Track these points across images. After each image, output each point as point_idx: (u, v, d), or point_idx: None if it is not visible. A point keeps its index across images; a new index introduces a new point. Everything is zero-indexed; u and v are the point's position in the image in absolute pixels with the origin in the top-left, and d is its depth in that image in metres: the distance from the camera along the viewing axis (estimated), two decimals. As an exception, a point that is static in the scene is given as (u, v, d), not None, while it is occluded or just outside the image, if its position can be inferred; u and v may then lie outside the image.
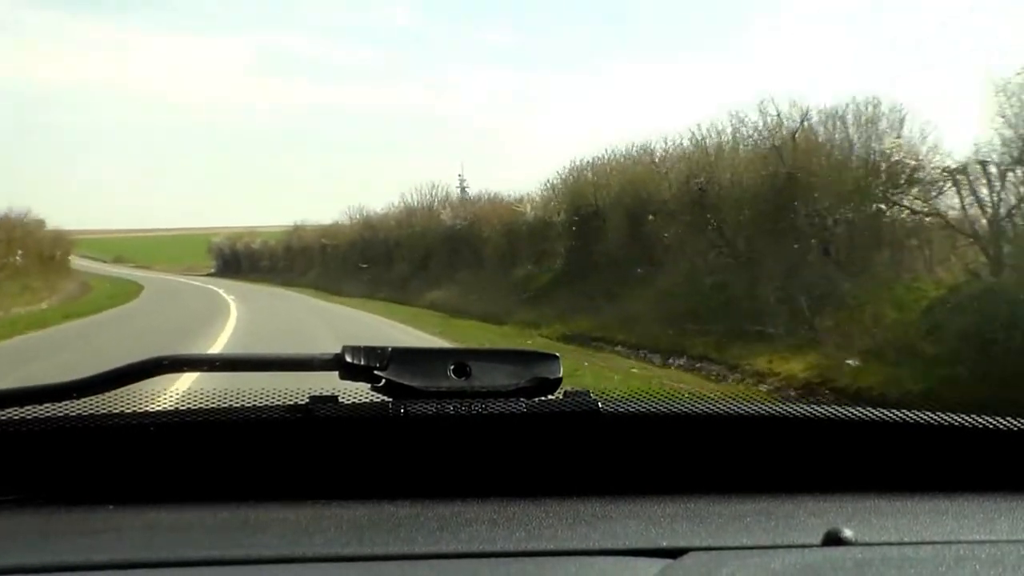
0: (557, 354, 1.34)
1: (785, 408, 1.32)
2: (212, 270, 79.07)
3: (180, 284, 53.20)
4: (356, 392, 1.30)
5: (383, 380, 1.27)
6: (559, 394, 1.31)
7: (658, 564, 1.04)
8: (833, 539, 1.08)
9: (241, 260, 71.15)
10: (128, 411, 1.29)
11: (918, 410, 1.33)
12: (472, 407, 1.26)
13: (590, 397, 1.30)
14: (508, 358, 1.34)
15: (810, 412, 1.31)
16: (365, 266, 40.89)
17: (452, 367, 1.29)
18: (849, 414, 1.32)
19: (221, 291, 40.14)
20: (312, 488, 1.27)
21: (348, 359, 1.27)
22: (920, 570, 1.01)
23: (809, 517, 1.20)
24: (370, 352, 1.28)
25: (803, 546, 1.08)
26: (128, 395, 1.30)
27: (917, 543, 1.12)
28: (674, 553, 1.06)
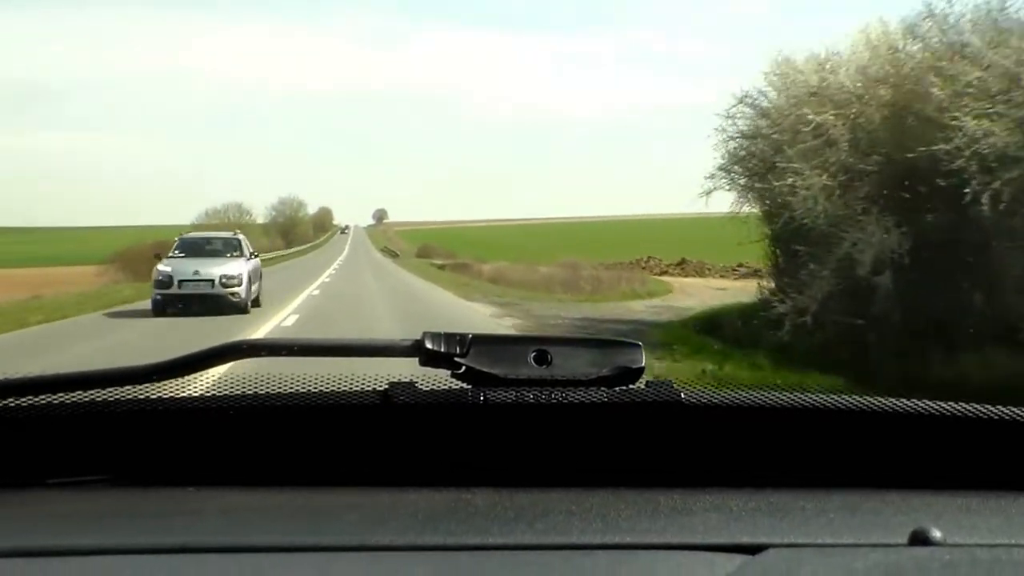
0: (639, 343, 1.33)
1: (872, 401, 1.28)
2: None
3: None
4: (436, 379, 1.29)
5: (463, 367, 1.27)
6: (641, 384, 1.30)
7: (736, 560, 1.02)
8: (920, 539, 1.04)
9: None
10: (209, 395, 1.31)
11: (1014, 406, 1.29)
12: (552, 395, 1.25)
13: (673, 387, 1.28)
14: (590, 346, 1.32)
15: (898, 406, 1.28)
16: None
17: (533, 355, 1.28)
18: (940, 408, 1.28)
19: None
20: (389, 475, 1.27)
21: (428, 345, 1.27)
22: (1012, 574, 0.98)
23: (895, 515, 1.16)
24: (450, 339, 1.27)
25: (888, 545, 1.05)
26: (207, 379, 1.32)
27: (1010, 545, 1.08)
28: (753, 549, 1.04)
